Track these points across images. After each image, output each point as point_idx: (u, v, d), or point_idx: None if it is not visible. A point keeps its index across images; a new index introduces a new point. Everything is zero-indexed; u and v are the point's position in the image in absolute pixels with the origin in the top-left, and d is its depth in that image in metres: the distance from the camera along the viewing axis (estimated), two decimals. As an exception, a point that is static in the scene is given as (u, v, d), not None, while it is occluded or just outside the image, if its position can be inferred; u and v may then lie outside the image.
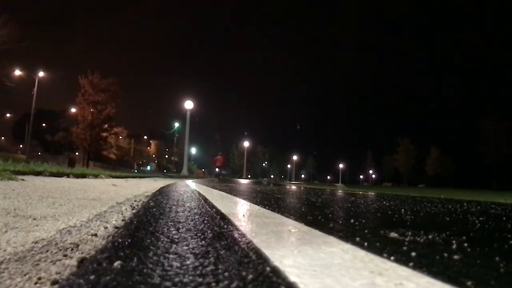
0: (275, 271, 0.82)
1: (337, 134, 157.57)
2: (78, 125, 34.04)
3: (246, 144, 69.24)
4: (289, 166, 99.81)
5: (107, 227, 1.65)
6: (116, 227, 1.62)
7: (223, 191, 5.40)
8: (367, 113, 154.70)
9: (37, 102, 31.51)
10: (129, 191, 4.72)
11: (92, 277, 0.77)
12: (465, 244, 1.32)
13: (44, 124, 62.87)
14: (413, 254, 1.08)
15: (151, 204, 2.69)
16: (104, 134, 36.26)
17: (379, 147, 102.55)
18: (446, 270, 0.91)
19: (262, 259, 0.95)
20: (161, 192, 4.46)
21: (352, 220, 1.96)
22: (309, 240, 1.26)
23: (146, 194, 4.21)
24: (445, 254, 1.11)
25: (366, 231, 1.57)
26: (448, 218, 2.50)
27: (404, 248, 1.19)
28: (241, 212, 2.26)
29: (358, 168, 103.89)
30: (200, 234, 1.35)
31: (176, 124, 58.28)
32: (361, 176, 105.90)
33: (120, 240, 1.19)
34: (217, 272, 0.83)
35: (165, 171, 57.84)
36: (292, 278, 0.77)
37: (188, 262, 0.92)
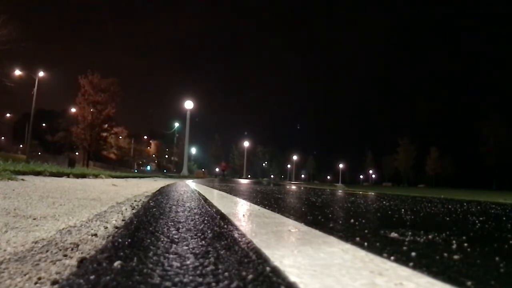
0: (275, 271, 0.82)
1: (337, 134, 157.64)
2: (78, 125, 33.99)
3: (246, 144, 69.22)
4: (289, 166, 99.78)
5: (107, 227, 1.65)
6: (116, 227, 1.62)
7: (223, 191, 5.41)
8: (367, 113, 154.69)
9: (37, 102, 31.40)
10: (129, 191, 4.72)
11: (92, 277, 0.77)
12: (465, 244, 1.32)
13: (44, 124, 62.80)
14: (413, 254, 1.08)
15: (151, 204, 2.69)
16: (104, 134, 36.23)
17: (379, 147, 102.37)
18: (446, 270, 0.91)
19: (262, 259, 0.95)
20: (161, 192, 4.46)
21: (352, 220, 1.96)
22: (309, 240, 1.26)
23: (146, 194, 4.21)
24: (445, 254, 1.11)
25: (366, 231, 1.57)
26: (448, 218, 2.50)
27: (404, 248, 1.19)
28: (241, 212, 2.26)
29: (358, 168, 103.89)
30: (200, 234, 1.36)
31: (176, 124, 58.35)
32: (361, 176, 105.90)
33: (120, 240, 1.19)
34: (217, 272, 0.83)
35: (165, 171, 57.86)
36: (292, 278, 0.77)
37: (188, 262, 0.92)
